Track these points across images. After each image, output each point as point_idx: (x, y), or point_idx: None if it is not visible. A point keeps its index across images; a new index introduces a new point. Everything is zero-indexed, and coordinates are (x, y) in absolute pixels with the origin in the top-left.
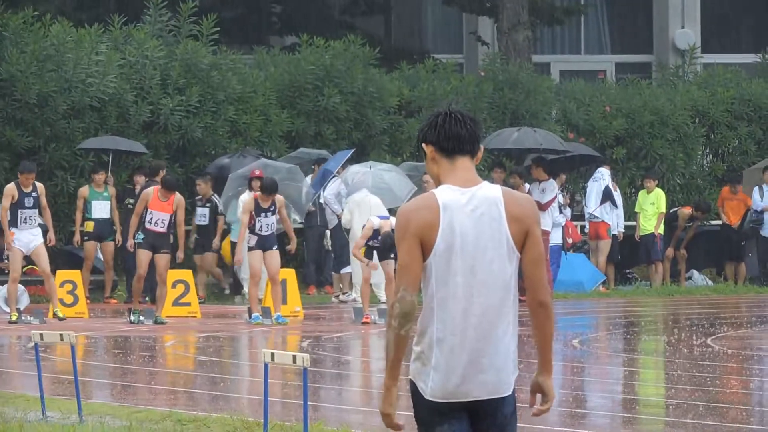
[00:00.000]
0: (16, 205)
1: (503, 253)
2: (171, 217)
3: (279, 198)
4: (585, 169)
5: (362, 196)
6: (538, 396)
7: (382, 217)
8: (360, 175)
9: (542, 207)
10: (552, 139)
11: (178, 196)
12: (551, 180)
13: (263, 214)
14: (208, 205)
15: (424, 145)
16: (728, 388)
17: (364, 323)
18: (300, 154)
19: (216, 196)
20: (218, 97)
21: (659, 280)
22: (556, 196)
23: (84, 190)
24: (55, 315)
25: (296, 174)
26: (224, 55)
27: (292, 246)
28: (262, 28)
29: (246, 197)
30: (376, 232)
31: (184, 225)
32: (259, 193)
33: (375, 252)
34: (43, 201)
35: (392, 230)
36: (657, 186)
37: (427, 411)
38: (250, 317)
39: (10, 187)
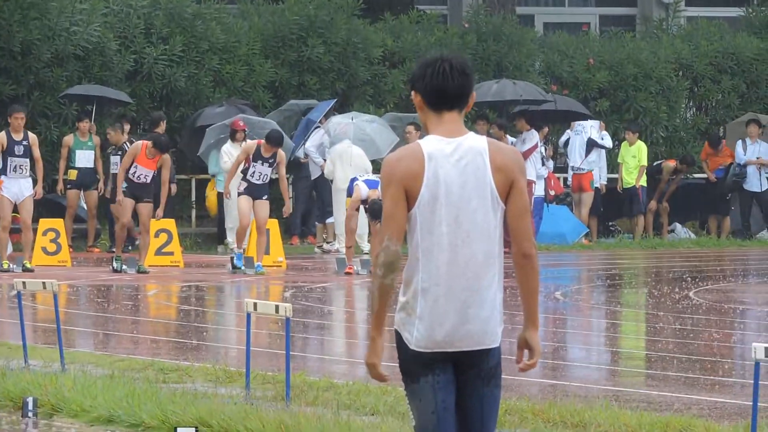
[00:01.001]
0: (6, 153)
1: (487, 203)
2: (154, 173)
3: (281, 153)
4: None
5: (344, 147)
6: (525, 351)
7: (370, 185)
8: (342, 126)
9: (523, 155)
10: (532, 89)
11: (165, 156)
12: (532, 130)
13: (260, 162)
14: (119, 153)
15: (413, 93)
16: (710, 341)
17: (347, 274)
18: (290, 106)
19: (128, 144)
20: (202, 46)
21: (638, 233)
22: (536, 145)
23: (68, 139)
24: (24, 266)
25: (270, 127)
26: (208, 4)
27: (287, 208)
28: None
29: (228, 147)
30: (363, 202)
31: (168, 184)
32: (263, 141)
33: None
34: (36, 152)
35: (379, 198)
36: (639, 139)
37: (411, 361)
38: (232, 267)
39: (0, 135)
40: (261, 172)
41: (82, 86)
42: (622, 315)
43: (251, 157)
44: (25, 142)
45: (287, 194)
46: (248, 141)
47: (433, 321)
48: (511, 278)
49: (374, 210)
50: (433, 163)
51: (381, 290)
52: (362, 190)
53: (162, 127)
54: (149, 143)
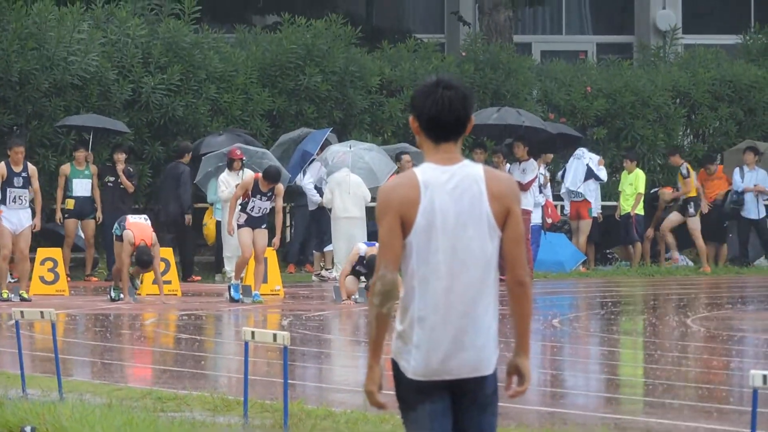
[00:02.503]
0: (6, 184)
1: (484, 231)
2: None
3: (279, 187)
4: (566, 151)
5: (343, 176)
6: (515, 378)
7: (368, 244)
8: (340, 154)
9: (523, 187)
10: (533, 117)
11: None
12: (532, 160)
13: (259, 197)
14: None
15: (411, 117)
16: (708, 368)
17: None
18: (302, 133)
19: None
20: (200, 75)
21: (635, 260)
22: (536, 176)
23: (65, 168)
24: (21, 296)
25: (268, 157)
26: (206, 33)
27: (277, 240)
28: (243, 6)
29: (225, 177)
30: (361, 258)
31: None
32: (261, 176)
33: (362, 276)
34: (35, 185)
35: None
36: (637, 167)
37: (408, 389)
38: (230, 298)
39: (0, 166)
40: (260, 207)
41: (79, 116)
42: (620, 342)
43: (250, 192)
44: (24, 174)
45: (281, 227)
46: (246, 174)
47: (430, 349)
48: (506, 305)
49: (372, 265)
50: (429, 191)
51: (378, 319)
52: (361, 247)
53: (186, 158)
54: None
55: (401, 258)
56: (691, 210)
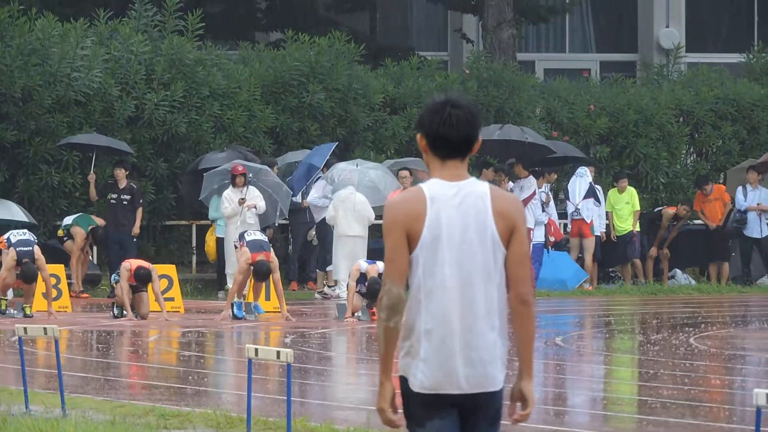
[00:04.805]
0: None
1: (488, 246)
2: None
3: (274, 262)
4: (570, 166)
5: (347, 193)
6: (518, 403)
7: (369, 262)
8: (347, 173)
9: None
10: (536, 135)
11: None
12: (531, 177)
13: None
14: None
15: (418, 135)
16: (710, 387)
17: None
18: (282, 162)
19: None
20: (203, 92)
21: (629, 277)
22: (534, 193)
23: None
24: (22, 310)
25: (270, 174)
26: (209, 50)
27: (284, 312)
28: (247, 23)
29: (229, 193)
30: (362, 276)
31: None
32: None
33: (362, 297)
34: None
35: (379, 275)
36: (632, 185)
37: (416, 405)
38: (232, 315)
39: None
40: None
41: (83, 135)
42: (622, 361)
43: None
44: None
45: (283, 301)
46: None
47: (437, 362)
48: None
49: (373, 291)
50: (435, 205)
51: (386, 334)
52: (362, 264)
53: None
54: None
55: (407, 272)
56: None
